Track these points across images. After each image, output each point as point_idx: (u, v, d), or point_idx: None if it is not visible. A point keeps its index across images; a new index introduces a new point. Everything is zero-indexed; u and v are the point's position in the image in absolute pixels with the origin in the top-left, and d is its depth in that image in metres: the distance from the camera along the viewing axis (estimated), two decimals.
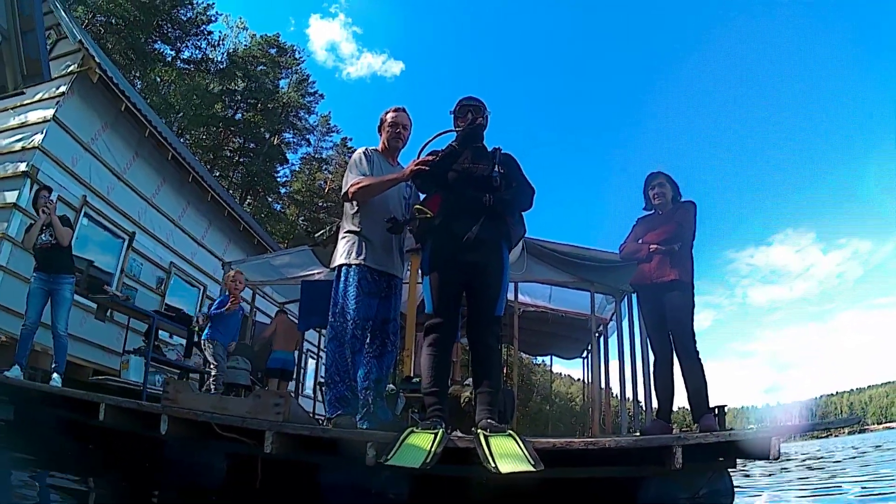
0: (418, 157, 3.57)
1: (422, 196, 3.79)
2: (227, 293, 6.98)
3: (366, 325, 3.70)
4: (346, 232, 3.84)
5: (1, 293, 7.18)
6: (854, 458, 9.80)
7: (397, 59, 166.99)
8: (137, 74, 25.93)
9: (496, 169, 3.42)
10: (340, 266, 3.74)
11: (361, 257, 3.68)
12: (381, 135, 4.08)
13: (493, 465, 2.67)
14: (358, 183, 3.69)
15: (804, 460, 9.82)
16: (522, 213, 3.66)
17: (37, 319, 5.84)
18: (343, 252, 3.76)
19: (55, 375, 5.71)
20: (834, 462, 9.13)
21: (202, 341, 6.98)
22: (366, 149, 3.94)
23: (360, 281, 3.64)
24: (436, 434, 2.95)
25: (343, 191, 3.80)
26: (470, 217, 3.34)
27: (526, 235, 3.83)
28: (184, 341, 8.90)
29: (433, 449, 2.80)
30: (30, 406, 4.99)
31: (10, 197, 7.50)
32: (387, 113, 4.05)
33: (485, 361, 3.38)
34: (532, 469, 2.62)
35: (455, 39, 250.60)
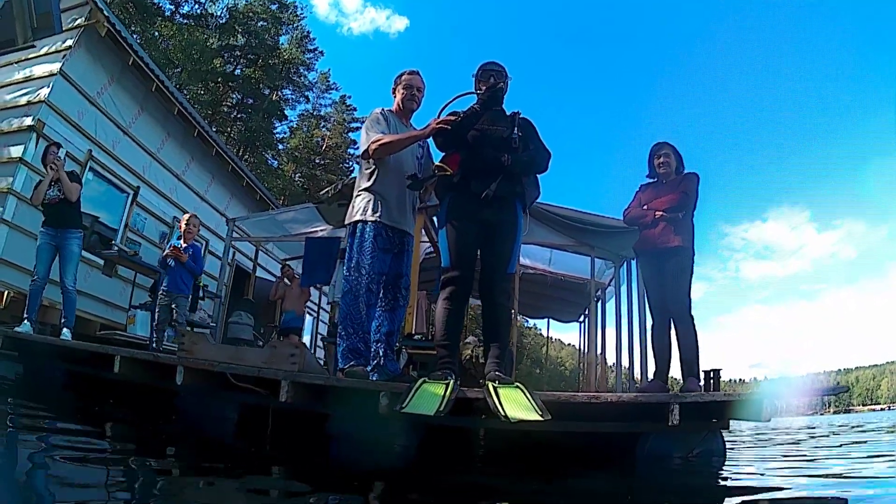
0: (438, 117, 3.64)
1: (434, 156, 3.89)
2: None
3: (380, 279, 3.83)
4: (361, 190, 3.93)
5: (7, 249, 7.16)
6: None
7: (402, 14, 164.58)
8: (136, 29, 25.53)
9: (515, 131, 3.52)
10: (356, 222, 3.83)
11: (377, 214, 3.79)
12: (395, 96, 4.15)
13: (504, 413, 2.80)
14: (379, 139, 3.76)
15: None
16: (538, 175, 3.76)
17: (45, 275, 5.88)
18: (359, 209, 3.86)
19: (65, 330, 5.81)
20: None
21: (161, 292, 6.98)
22: (382, 109, 4.01)
23: (375, 237, 3.75)
24: (447, 384, 3.09)
25: (363, 149, 3.88)
26: (488, 175, 3.46)
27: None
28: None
29: (447, 395, 2.93)
30: (40, 361, 5.06)
31: (16, 151, 7.45)
32: (402, 75, 4.14)
33: (495, 317, 3.52)
34: (540, 418, 2.76)
35: None
